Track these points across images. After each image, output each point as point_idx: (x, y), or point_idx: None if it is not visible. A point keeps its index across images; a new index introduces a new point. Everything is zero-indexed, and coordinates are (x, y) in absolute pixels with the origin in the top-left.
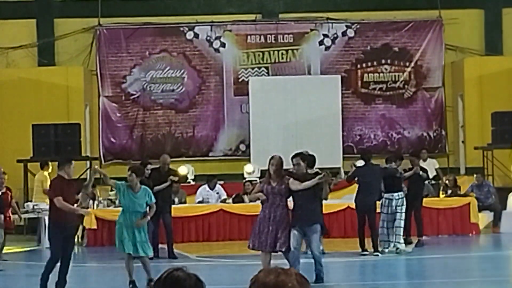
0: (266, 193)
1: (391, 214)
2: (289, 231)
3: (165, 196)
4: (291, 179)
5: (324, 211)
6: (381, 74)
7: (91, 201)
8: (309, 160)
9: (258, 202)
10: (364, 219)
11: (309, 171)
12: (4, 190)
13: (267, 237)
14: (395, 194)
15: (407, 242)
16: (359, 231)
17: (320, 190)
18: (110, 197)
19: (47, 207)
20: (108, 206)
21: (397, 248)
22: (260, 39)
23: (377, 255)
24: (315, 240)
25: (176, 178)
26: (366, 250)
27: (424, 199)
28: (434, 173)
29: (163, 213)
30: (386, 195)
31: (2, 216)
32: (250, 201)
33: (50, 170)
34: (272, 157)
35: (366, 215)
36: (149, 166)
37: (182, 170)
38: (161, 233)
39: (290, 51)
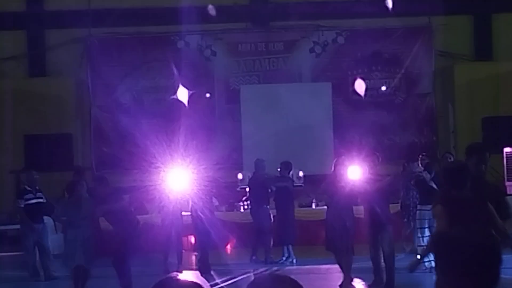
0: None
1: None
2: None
3: None
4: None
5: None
6: (372, 81)
7: None
8: None
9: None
10: None
11: None
12: None
13: (342, 240)
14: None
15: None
16: None
17: (389, 193)
18: None
19: None
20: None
21: None
22: (250, 47)
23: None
24: (385, 239)
25: None
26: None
27: None
28: None
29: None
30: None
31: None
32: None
33: None
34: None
35: None
36: None
37: None
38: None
39: (281, 59)
